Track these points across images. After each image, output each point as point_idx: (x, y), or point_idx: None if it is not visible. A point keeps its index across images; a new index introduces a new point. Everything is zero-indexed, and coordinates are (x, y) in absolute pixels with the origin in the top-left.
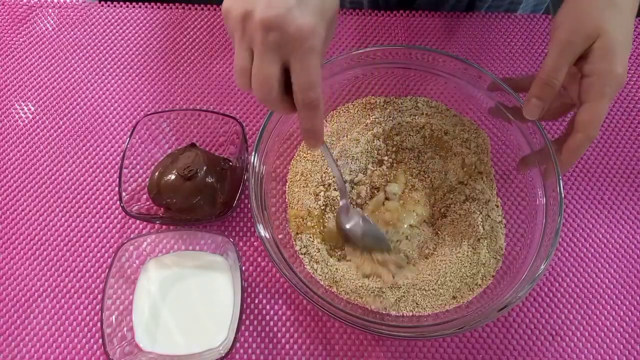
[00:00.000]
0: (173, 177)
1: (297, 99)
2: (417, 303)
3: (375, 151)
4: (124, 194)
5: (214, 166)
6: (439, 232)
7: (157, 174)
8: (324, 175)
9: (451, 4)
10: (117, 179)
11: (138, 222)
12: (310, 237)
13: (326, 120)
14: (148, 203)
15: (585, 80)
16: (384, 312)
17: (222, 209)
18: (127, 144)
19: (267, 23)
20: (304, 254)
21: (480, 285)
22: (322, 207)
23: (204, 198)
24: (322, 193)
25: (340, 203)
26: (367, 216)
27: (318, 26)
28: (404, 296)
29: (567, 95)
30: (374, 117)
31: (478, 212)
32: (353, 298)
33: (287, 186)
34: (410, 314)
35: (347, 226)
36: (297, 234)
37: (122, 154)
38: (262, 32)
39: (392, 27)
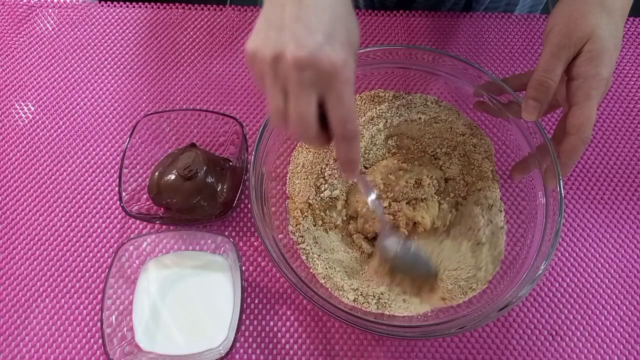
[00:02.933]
0: (173, 177)
1: (336, 132)
2: (404, 300)
3: (379, 146)
4: (124, 193)
5: (214, 166)
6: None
7: (157, 174)
8: (324, 167)
9: (448, 7)
10: (117, 179)
11: (138, 222)
12: (309, 234)
13: None
14: (148, 203)
15: (573, 83)
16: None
17: (222, 209)
18: (127, 143)
19: (301, 62)
20: (305, 253)
21: (474, 289)
22: (323, 200)
23: (204, 198)
24: (322, 186)
25: (381, 232)
26: (409, 241)
27: (349, 59)
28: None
29: (552, 96)
30: (380, 110)
31: (481, 217)
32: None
33: (287, 177)
34: (401, 314)
35: (392, 254)
36: (297, 225)
37: (122, 153)
38: (297, 71)
39: (391, 27)
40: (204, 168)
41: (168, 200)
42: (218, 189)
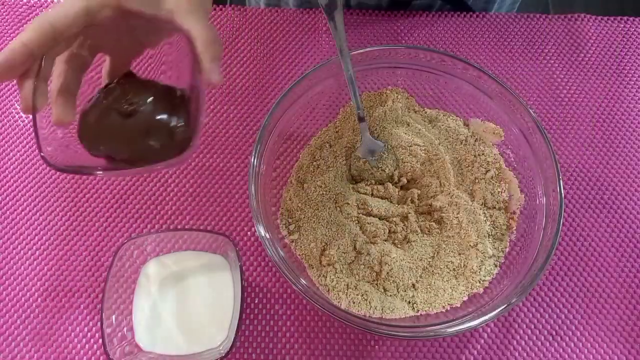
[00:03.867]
0: (109, 116)
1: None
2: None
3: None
4: (46, 142)
5: (161, 95)
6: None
7: (88, 115)
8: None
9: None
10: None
11: (139, 221)
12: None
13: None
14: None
15: None
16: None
17: (181, 148)
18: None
19: None
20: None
21: (466, 292)
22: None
23: (155, 137)
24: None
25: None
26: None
27: None
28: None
29: None
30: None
31: (484, 219)
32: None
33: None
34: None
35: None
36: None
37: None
38: None
39: (391, 27)
40: (150, 98)
41: (107, 147)
42: (172, 124)
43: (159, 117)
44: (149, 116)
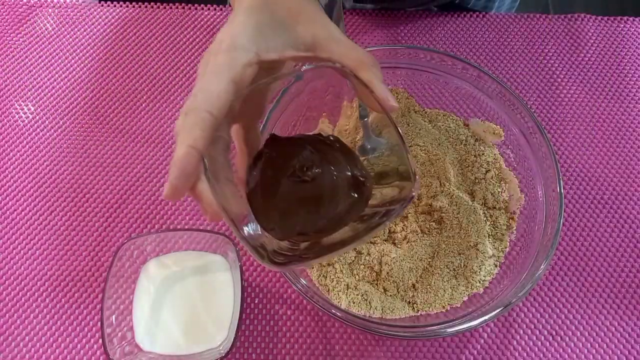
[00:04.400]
0: (288, 189)
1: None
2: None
3: None
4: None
5: (325, 146)
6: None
7: (266, 199)
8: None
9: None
10: None
11: (139, 221)
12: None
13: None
14: None
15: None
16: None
17: (363, 195)
18: None
19: None
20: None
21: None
22: None
23: (349, 192)
24: None
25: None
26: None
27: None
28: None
29: None
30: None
31: (485, 219)
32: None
33: None
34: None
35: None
36: None
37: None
38: None
39: (391, 27)
40: (320, 155)
41: (301, 225)
42: (354, 172)
43: (340, 172)
44: (331, 174)
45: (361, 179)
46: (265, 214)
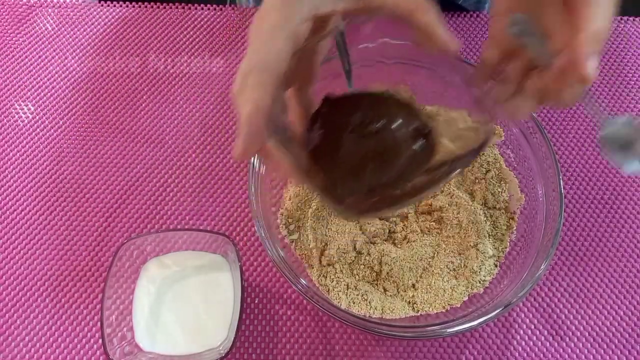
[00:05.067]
0: (352, 145)
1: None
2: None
3: None
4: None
5: (381, 101)
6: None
7: (333, 159)
8: None
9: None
10: None
11: (138, 221)
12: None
13: None
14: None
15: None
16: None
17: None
18: None
19: None
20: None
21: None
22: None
23: (412, 145)
24: None
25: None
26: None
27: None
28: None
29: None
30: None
31: (485, 219)
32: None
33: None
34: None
35: None
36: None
37: None
38: None
39: (389, 27)
40: (380, 109)
41: (374, 180)
42: (415, 125)
43: (401, 125)
44: (391, 127)
45: (423, 130)
46: (330, 174)
